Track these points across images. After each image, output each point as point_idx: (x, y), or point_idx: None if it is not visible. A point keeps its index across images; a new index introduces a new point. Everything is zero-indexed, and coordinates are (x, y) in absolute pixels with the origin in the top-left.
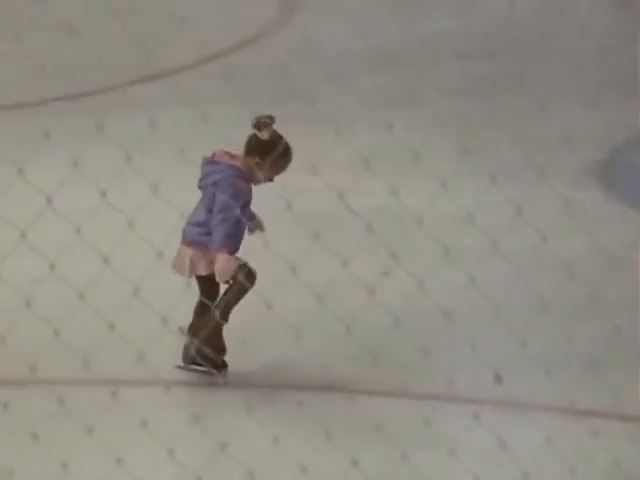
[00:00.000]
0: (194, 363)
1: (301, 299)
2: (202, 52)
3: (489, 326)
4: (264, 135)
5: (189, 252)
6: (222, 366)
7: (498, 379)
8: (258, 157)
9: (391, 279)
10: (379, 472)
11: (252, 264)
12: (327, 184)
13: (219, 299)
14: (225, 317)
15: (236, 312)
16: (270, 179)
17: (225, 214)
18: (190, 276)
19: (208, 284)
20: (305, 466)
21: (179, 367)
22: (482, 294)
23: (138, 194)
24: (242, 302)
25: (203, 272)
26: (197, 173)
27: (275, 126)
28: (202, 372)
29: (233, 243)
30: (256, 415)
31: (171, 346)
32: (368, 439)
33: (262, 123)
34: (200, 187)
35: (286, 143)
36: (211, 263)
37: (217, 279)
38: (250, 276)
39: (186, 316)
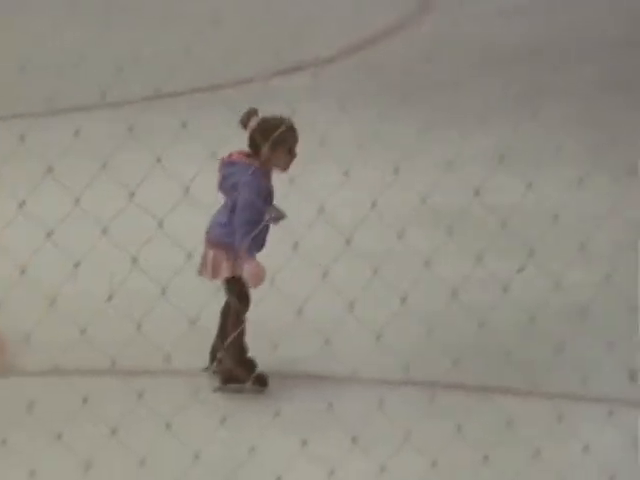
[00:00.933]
0: (230, 381)
1: (435, 295)
2: (342, 45)
3: (624, 324)
4: (253, 124)
5: (211, 253)
6: (259, 379)
7: (633, 377)
8: (269, 146)
9: (525, 276)
10: (510, 468)
11: (390, 258)
12: (462, 180)
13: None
14: (235, 346)
15: (370, 306)
16: (287, 165)
17: (248, 214)
18: (213, 279)
19: (239, 286)
20: (435, 460)
21: (216, 390)
22: (618, 291)
23: (276, 185)
24: (380, 297)
25: (225, 274)
26: (337, 165)
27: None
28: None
29: (259, 245)
30: (390, 411)
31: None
32: (499, 436)
33: (245, 118)
34: (221, 189)
35: (282, 119)
36: (234, 265)
37: (249, 286)
38: (245, 299)
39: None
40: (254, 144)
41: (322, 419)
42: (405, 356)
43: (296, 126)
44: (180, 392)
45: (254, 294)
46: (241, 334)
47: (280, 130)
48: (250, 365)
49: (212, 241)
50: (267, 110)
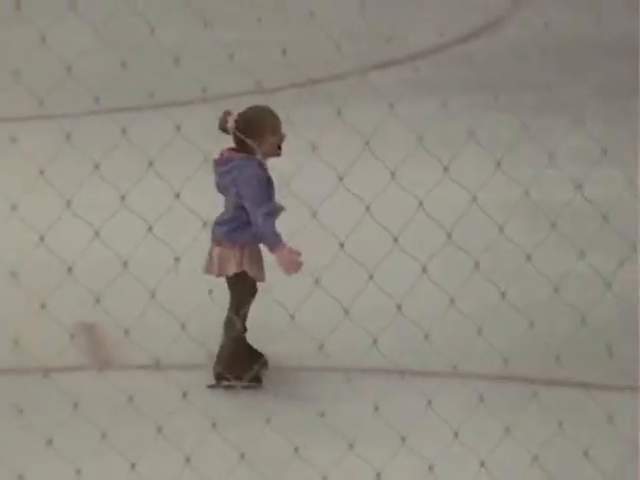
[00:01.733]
0: (224, 378)
1: (535, 291)
2: (440, 39)
3: None
4: (231, 122)
5: (217, 250)
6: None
7: None
8: (253, 138)
9: (627, 271)
10: (610, 463)
11: (491, 252)
12: (563, 174)
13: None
14: (235, 334)
15: (470, 300)
16: (278, 150)
17: (261, 206)
18: (219, 276)
19: (241, 282)
20: (536, 455)
21: (211, 387)
22: None
23: (375, 180)
24: (480, 291)
25: (233, 271)
26: (436, 160)
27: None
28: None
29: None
30: (489, 405)
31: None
32: (600, 431)
33: (223, 121)
34: (219, 189)
35: (257, 107)
36: (241, 261)
37: (286, 273)
38: (253, 293)
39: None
40: (239, 141)
41: (422, 416)
42: (505, 351)
43: (351, 118)
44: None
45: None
46: (243, 329)
47: (259, 119)
48: (253, 359)
49: (217, 239)
50: (365, 105)
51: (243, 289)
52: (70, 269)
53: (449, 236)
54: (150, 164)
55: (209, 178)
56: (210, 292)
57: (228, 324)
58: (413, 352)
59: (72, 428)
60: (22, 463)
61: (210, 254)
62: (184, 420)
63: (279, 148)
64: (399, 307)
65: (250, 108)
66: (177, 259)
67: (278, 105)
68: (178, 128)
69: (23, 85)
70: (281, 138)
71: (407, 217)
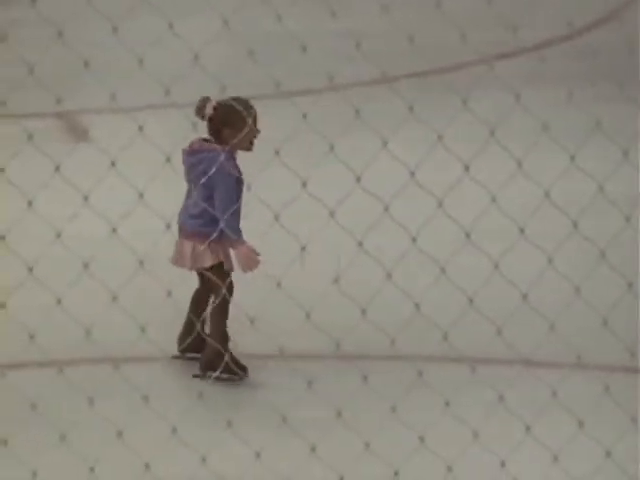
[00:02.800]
0: (210, 370)
1: (610, 286)
2: (564, 29)
3: None
4: (209, 110)
5: (189, 244)
6: (241, 369)
7: None
8: (229, 127)
9: None
10: None
11: (564, 246)
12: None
13: (208, 315)
14: (221, 328)
15: (543, 295)
16: (251, 145)
17: (229, 200)
18: (192, 269)
19: (217, 274)
20: (609, 452)
21: (196, 376)
22: None
23: (500, 170)
24: (553, 286)
25: (209, 263)
26: (561, 149)
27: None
28: (224, 379)
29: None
30: (564, 398)
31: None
32: None
33: (201, 107)
34: (189, 179)
35: (238, 98)
36: (217, 253)
37: (242, 270)
38: (231, 288)
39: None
40: (214, 130)
41: (495, 407)
42: (578, 344)
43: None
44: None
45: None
46: (225, 322)
47: (239, 111)
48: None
49: (188, 232)
50: (490, 95)
51: (222, 280)
52: (142, 262)
53: (575, 226)
54: (276, 152)
55: (339, 167)
56: (336, 280)
57: (213, 319)
58: (486, 345)
59: (142, 418)
60: (94, 451)
61: (180, 247)
62: (308, 410)
63: (251, 143)
64: (469, 302)
65: (231, 99)
66: (304, 248)
67: (403, 94)
68: (304, 116)
69: (149, 74)
70: (256, 133)
71: (533, 206)
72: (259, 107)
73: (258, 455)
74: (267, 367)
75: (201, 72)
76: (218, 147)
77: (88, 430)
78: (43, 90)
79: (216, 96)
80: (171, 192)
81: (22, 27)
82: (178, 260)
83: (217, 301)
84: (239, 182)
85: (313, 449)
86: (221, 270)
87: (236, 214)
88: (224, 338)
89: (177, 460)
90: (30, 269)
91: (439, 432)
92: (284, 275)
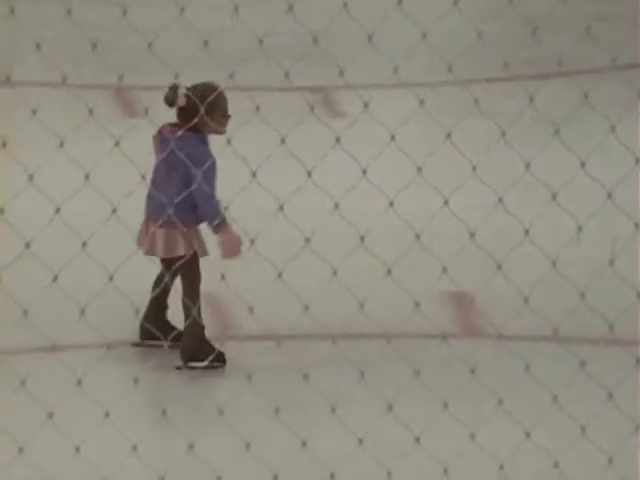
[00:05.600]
0: (191, 360)
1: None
2: None
3: None
4: (181, 99)
5: (161, 232)
6: (219, 356)
7: None
8: (205, 114)
9: None
10: None
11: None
12: None
13: (183, 299)
14: (195, 316)
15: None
16: (225, 127)
17: (212, 185)
18: (167, 256)
19: (191, 263)
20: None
21: (178, 368)
22: None
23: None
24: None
25: (182, 252)
26: None
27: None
28: (204, 367)
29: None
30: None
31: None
32: None
33: (171, 94)
34: (164, 166)
35: (207, 84)
36: (191, 241)
37: (223, 256)
38: (199, 275)
39: None
40: (187, 116)
41: (469, 381)
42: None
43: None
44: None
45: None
46: (200, 310)
47: (212, 95)
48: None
49: (160, 219)
50: None
51: (193, 269)
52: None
53: (580, 229)
54: (503, 134)
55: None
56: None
57: (185, 308)
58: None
59: (301, 395)
60: (252, 429)
61: (151, 235)
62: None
63: (224, 126)
64: (582, 296)
65: (200, 84)
66: (362, 237)
67: (578, 85)
68: (531, 99)
69: (380, 51)
70: (227, 119)
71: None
72: (483, 89)
73: (248, 445)
74: (319, 352)
75: (430, 50)
76: (192, 134)
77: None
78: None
79: (444, 76)
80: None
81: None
82: (150, 249)
83: (188, 289)
84: (214, 167)
85: (417, 441)
86: (194, 258)
87: (218, 199)
88: (200, 326)
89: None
90: (83, 244)
91: (407, 401)
92: (341, 266)
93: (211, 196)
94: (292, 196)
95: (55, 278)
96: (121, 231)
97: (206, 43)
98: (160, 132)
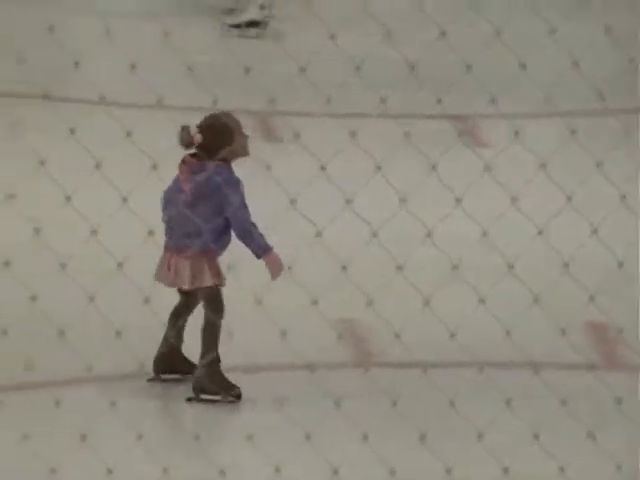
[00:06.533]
0: (202, 392)
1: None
2: None
3: None
4: (197, 138)
5: (187, 264)
6: (233, 390)
7: None
8: (225, 144)
9: None
10: None
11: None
12: None
13: (204, 330)
14: (215, 348)
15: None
16: (248, 149)
17: (248, 211)
18: (191, 288)
19: (192, 297)
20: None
21: (189, 400)
22: None
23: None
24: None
25: (209, 283)
26: None
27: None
28: (217, 401)
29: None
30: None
31: None
32: None
33: (186, 137)
34: (195, 197)
35: (215, 115)
36: (217, 272)
37: (273, 277)
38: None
39: None
40: (208, 149)
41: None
42: None
43: None
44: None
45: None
46: (218, 343)
47: (225, 123)
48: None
49: (186, 250)
50: None
51: (219, 300)
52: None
53: (594, 232)
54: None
55: None
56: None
57: (205, 339)
58: None
59: (332, 423)
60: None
61: (175, 266)
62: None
63: (246, 148)
64: (535, 299)
65: (210, 117)
66: (455, 266)
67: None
68: (573, 132)
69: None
70: (246, 138)
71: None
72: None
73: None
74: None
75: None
76: (218, 163)
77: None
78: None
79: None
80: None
81: None
82: (174, 280)
83: (213, 320)
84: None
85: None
86: (217, 288)
87: (254, 223)
88: (217, 358)
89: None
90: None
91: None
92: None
93: (249, 222)
94: (439, 223)
95: (91, 298)
96: None
97: (358, 68)
98: (185, 162)
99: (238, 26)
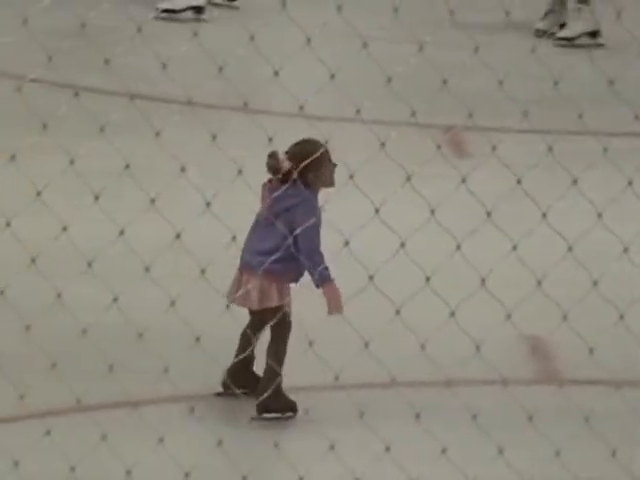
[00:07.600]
0: (266, 411)
1: None
2: None
3: None
4: (285, 165)
5: (256, 282)
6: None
7: None
8: (311, 172)
9: None
10: None
11: None
12: None
13: (269, 348)
14: (279, 368)
15: None
16: (333, 179)
17: (318, 239)
18: (259, 308)
19: (260, 316)
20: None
21: (253, 419)
22: None
23: None
24: None
25: (275, 303)
26: None
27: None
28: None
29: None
30: None
31: None
32: None
33: (275, 163)
34: (270, 213)
35: (306, 140)
36: (283, 293)
37: (329, 312)
38: (289, 327)
39: None
40: (302, 174)
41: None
42: None
43: None
44: None
45: None
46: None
47: (315, 150)
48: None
49: (256, 270)
50: None
51: (286, 323)
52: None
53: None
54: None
55: None
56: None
57: (271, 358)
58: None
59: (467, 438)
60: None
61: (244, 284)
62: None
63: (333, 178)
64: (563, 318)
65: (300, 143)
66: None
67: None
68: None
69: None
70: (334, 167)
71: None
72: None
73: None
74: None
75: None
76: (301, 187)
77: None
78: None
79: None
80: None
81: None
82: (243, 301)
83: (277, 340)
84: (319, 221)
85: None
86: (283, 309)
87: (322, 253)
88: (280, 377)
89: None
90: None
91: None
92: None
93: (316, 249)
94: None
95: (140, 335)
96: None
97: (500, 82)
98: (270, 181)
99: None
